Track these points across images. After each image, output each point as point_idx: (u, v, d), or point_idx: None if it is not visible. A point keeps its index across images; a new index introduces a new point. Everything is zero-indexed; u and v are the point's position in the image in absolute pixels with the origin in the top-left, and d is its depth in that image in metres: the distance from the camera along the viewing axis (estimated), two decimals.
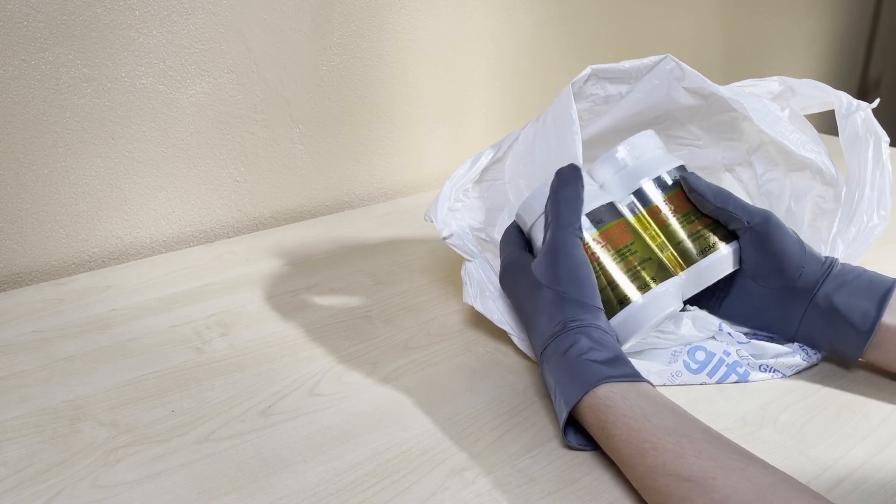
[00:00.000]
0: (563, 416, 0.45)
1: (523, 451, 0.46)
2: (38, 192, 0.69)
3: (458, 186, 0.60)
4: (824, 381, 0.53)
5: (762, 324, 0.55)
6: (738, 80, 0.63)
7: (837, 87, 0.60)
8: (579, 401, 0.44)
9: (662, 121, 0.62)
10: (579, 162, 0.53)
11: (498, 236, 0.60)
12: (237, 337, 0.59)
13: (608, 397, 0.43)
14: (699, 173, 0.68)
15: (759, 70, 1.39)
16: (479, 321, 0.61)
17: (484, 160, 0.60)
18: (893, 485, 0.43)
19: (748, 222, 0.52)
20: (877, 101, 0.60)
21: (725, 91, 0.57)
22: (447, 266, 0.72)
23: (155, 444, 0.46)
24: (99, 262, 0.75)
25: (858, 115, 0.58)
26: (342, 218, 0.86)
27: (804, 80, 0.61)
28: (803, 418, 0.49)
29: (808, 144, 0.59)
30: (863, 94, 1.70)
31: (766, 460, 0.38)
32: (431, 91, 0.94)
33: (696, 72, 0.57)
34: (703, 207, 0.54)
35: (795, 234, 0.53)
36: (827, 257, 0.53)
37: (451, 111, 0.97)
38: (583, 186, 0.52)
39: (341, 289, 0.67)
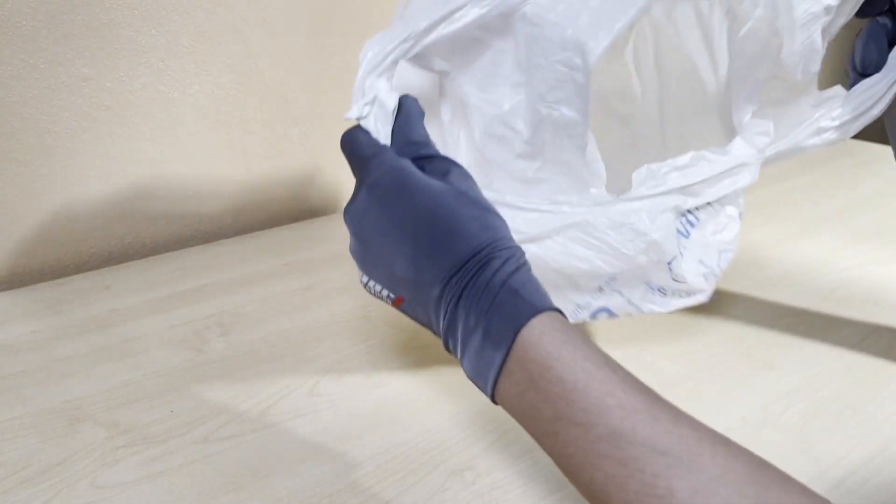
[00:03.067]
0: (501, 352, 0.34)
1: (523, 452, 0.46)
2: (38, 192, 0.69)
3: (435, 37, 0.44)
4: (826, 381, 0.53)
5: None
6: None
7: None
8: (529, 321, 0.34)
9: None
10: (591, 61, 0.44)
11: (462, 81, 0.47)
12: (237, 337, 0.59)
13: (563, 328, 0.34)
14: None
15: None
16: None
17: (467, 16, 0.45)
18: (895, 485, 0.43)
19: None
20: None
21: None
22: None
23: (154, 444, 0.46)
24: (98, 262, 0.74)
25: None
26: (342, 218, 0.86)
27: None
28: (805, 418, 0.49)
29: None
30: None
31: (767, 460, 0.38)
32: None
33: None
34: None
35: None
36: None
37: None
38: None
39: (341, 289, 0.67)
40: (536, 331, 0.34)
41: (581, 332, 0.34)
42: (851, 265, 0.71)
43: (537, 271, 0.42)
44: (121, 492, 0.42)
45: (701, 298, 0.51)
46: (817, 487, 0.43)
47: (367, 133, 0.42)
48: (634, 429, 0.30)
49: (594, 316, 0.50)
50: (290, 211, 0.86)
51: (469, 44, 0.47)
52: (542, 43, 0.45)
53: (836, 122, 0.48)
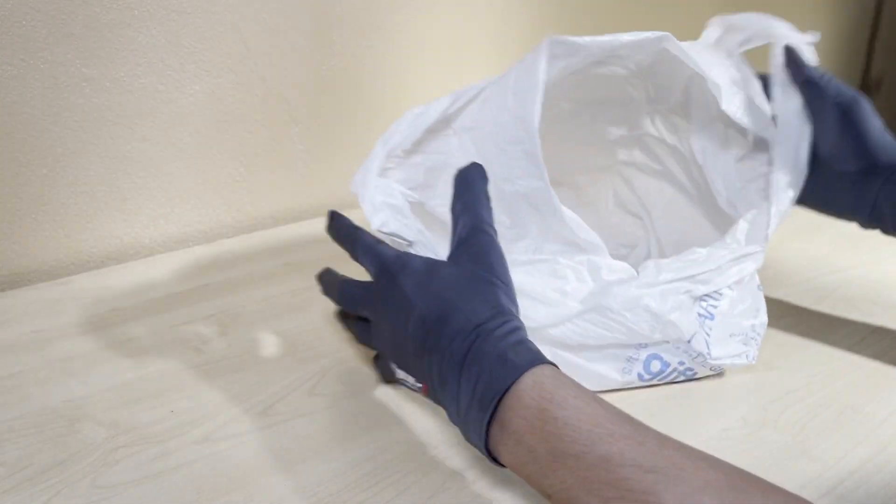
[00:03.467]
0: (493, 399, 0.37)
1: None
2: (37, 192, 0.69)
3: (394, 143, 0.52)
4: (825, 381, 0.53)
5: (835, 208, 0.56)
6: None
7: None
8: (522, 376, 0.37)
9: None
10: (535, 127, 0.48)
11: (437, 202, 0.52)
12: (237, 337, 0.59)
13: (555, 375, 0.38)
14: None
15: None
16: None
17: (433, 113, 0.52)
18: (895, 485, 0.43)
19: (837, 96, 0.55)
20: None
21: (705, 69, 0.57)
22: None
23: (154, 444, 0.46)
24: (98, 262, 0.74)
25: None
26: None
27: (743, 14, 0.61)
28: (804, 418, 0.49)
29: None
30: (864, 94, 1.70)
31: (767, 460, 0.38)
32: (431, 90, 0.93)
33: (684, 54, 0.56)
34: (796, 76, 0.57)
35: (879, 117, 0.55)
36: None
37: None
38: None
39: None
40: (530, 381, 0.37)
41: (572, 380, 0.38)
42: (851, 265, 0.71)
43: (557, 348, 0.49)
44: (121, 492, 0.42)
45: (746, 359, 0.51)
46: (817, 487, 0.43)
47: (371, 237, 0.50)
48: (622, 452, 0.33)
49: (647, 367, 0.50)
50: (290, 211, 0.86)
51: (428, 171, 0.53)
52: (487, 136, 0.51)
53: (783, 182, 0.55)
